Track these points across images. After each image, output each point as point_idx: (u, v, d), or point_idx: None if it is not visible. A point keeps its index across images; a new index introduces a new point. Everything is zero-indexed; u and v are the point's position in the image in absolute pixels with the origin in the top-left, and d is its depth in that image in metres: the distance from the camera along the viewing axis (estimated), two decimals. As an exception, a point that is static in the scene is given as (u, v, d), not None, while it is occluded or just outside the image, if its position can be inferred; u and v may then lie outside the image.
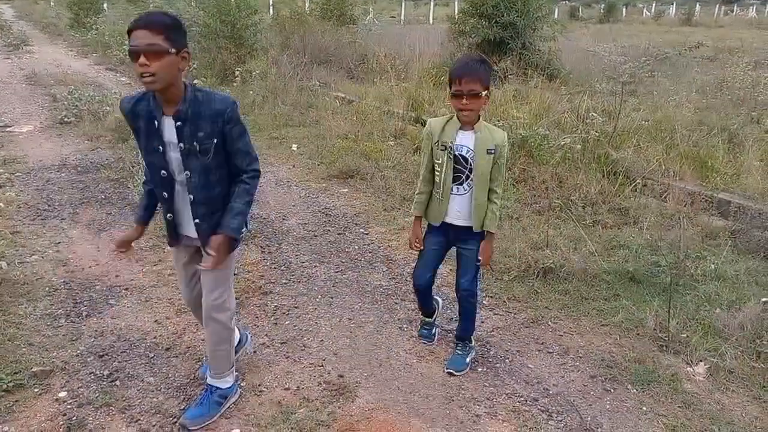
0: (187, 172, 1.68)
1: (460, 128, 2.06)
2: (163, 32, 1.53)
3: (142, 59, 1.51)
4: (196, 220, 1.74)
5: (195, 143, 1.64)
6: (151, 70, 1.52)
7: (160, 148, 1.67)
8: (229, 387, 1.99)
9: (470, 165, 2.07)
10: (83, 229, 3.47)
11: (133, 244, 1.88)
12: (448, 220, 2.15)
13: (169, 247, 1.94)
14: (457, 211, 2.13)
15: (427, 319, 2.45)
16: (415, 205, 2.21)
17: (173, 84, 1.60)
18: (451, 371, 2.22)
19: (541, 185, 4.01)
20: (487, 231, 2.12)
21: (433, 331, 2.45)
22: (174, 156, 1.69)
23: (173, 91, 1.61)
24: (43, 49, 11.92)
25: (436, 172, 2.12)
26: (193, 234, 1.81)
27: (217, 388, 1.96)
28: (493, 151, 2.05)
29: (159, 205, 1.84)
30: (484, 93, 1.98)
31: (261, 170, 1.81)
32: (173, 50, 1.55)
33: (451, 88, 2.01)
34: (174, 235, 1.84)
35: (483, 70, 1.98)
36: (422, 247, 2.22)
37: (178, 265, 1.97)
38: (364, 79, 7.60)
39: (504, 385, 2.19)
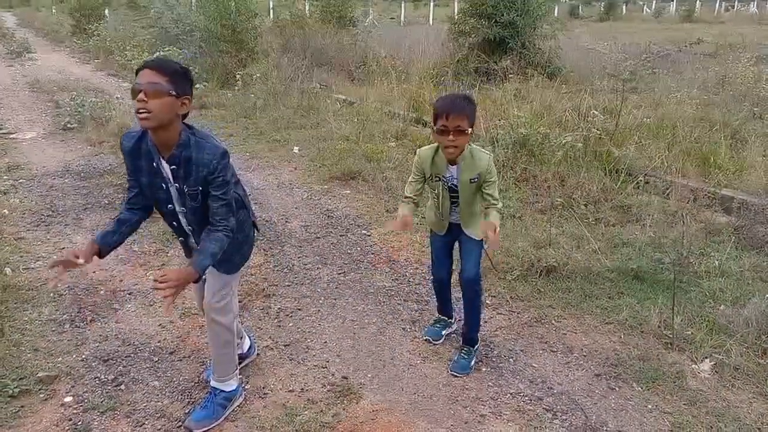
0: (183, 209, 1.75)
1: (448, 163, 2.08)
2: (167, 75, 1.56)
3: (141, 95, 1.53)
4: (194, 245, 1.85)
5: (185, 187, 1.68)
6: (147, 107, 1.53)
7: (164, 185, 1.72)
8: (233, 390, 2.00)
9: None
10: (87, 235, 3.48)
11: (80, 261, 1.66)
12: (451, 221, 2.23)
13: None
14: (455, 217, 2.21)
15: (442, 317, 2.48)
16: (406, 208, 2.18)
17: (168, 126, 1.60)
18: (455, 374, 2.23)
19: (543, 184, 4.00)
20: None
21: (443, 331, 2.46)
22: (173, 191, 1.74)
23: (167, 134, 1.62)
24: (45, 56, 11.99)
25: (434, 200, 2.19)
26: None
27: (221, 390, 1.97)
28: (475, 180, 2.07)
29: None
30: (469, 130, 1.98)
31: (232, 233, 1.73)
32: (174, 93, 1.57)
33: (436, 123, 1.99)
34: (189, 252, 1.93)
35: (469, 108, 1.99)
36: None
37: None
38: (364, 81, 7.61)
39: (508, 384, 2.18)
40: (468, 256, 2.20)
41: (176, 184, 1.70)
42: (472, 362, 2.28)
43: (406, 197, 2.18)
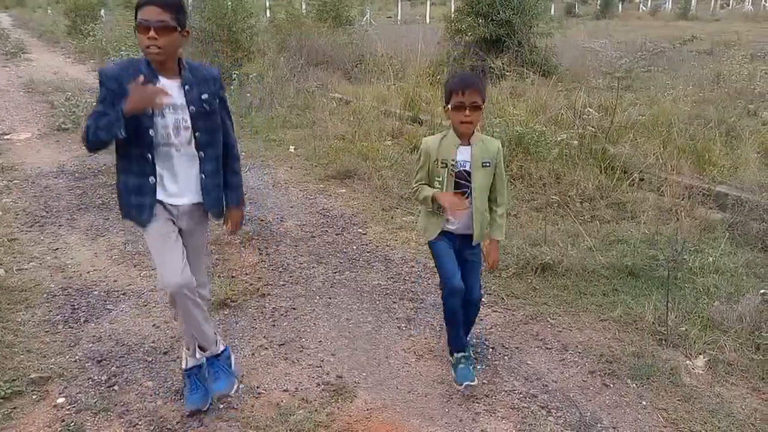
0: (197, 132, 1.78)
1: (460, 144, 2.04)
2: (171, 11, 1.67)
3: (152, 33, 1.64)
4: (202, 175, 1.83)
5: (204, 105, 1.78)
6: (158, 43, 1.66)
7: (151, 109, 1.72)
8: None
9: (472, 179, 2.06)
10: (81, 235, 3.47)
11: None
12: (451, 229, 2.09)
13: (143, 227, 1.80)
14: (461, 222, 2.08)
15: (463, 353, 2.12)
16: (428, 189, 2.05)
17: (173, 57, 1.75)
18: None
19: (539, 182, 4.01)
20: (492, 239, 2.13)
21: (472, 367, 2.12)
22: (169, 119, 1.75)
23: (171, 63, 1.76)
24: (40, 57, 11.95)
25: (437, 189, 2.06)
26: (178, 200, 1.81)
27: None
28: (488, 164, 2.05)
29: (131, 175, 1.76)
30: (483, 106, 2.00)
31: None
32: (179, 28, 1.70)
33: (450, 101, 1.98)
34: (151, 205, 1.77)
35: (482, 84, 2.02)
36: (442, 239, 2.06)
37: (166, 244, 1.79)
38: (361, 80, 7.59)
39: (503, 382, 2.18)
40: (474, 276, 2.13)
41: (191, 107, 1.76)
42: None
43: (417, 182, 2.09)
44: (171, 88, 1.73)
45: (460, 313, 2.08)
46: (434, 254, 2.12)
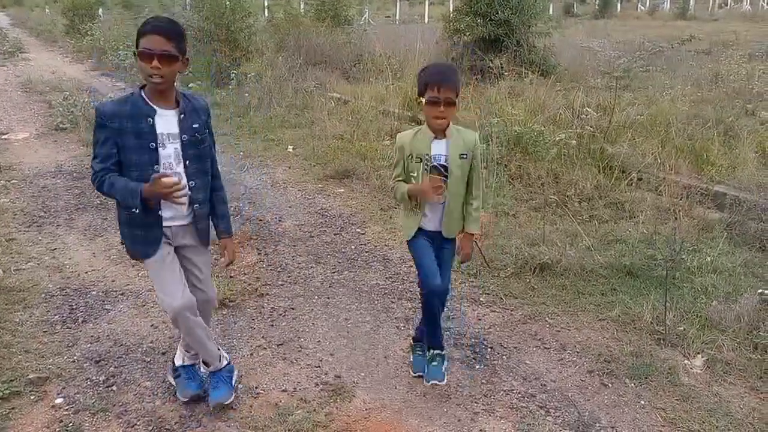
0: (187, 161, 1.81)
1: (435, 138, 1.99)
2: (174, 40, 1.71)
3: (156, 63, 1.68)
4: (195, 205, 1.86)
5: (195, 134, 1.82)
6: (161, 73, 1.70)
7: (153, 144, 1.75)
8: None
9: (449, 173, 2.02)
10: (79, 235, 3.46)
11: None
12: (424, 226, 2.06)
13: (147, 259, 1.82)
14: (434, 219, 2.05)
15: (438, 351, 2.08)
16: (399, 187, 2.03)
17: (173, 85, 1.80)
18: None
19: (537, 181, 4.01)
20: (466, 232, 2.08)
21: (444, 366, 2.08)
22: (170, 149, 1.78)
23: (170, 91, 1.79)
24: (38, 56, 11.93)
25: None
26: (171, 222, 1.83)
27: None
28: (465, 156, 2.01)
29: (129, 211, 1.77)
30: (457, 101, 1.96)
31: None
32: (180, 57, 1.74)
33: (424, 94, 1.95)
34: (157, 237, 1.80)
35: (457, 79, 1.98)
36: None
37: (164, 266, 1.82)
38: (359, 79, 7.59)
39: (501, 381, 2.18)
40: (446, 267, 2.08)
41: (183, 136, 1.78)
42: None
43: (395, 179, 2.06)
44: (169, 116, 1.77)
45: (440, 312, 2.06)
46: (413, 253, 2.09)
